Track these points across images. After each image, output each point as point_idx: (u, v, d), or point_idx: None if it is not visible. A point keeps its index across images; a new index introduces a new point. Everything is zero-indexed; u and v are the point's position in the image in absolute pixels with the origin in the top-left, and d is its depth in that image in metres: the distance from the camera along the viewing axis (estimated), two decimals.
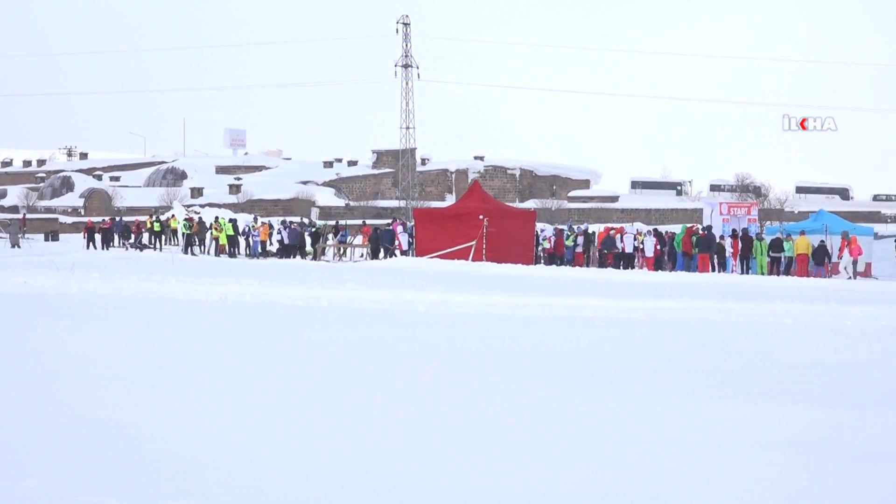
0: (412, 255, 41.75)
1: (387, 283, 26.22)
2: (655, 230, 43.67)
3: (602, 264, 40.18)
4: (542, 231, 46.41)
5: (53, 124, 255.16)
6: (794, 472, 7.74)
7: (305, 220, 57.86)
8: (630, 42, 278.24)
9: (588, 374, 12.00)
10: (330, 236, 50.12)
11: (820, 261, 36.88)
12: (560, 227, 51.44)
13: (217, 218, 55.13)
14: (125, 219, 58.09)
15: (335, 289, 23.81)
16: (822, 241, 37.37)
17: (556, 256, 42.04)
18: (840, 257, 36.98)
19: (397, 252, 43.43)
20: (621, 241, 40.86)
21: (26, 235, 62.65)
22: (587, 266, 40.51)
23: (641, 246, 40.72)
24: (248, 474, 7.27)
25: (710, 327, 17.72)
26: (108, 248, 51.90)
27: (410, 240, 43.73)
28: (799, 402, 10.45)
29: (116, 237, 55.53)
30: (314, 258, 45.60)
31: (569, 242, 42.41)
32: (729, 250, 38.37)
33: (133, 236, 53.65)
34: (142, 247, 52.24)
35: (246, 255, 47.86)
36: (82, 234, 54.00)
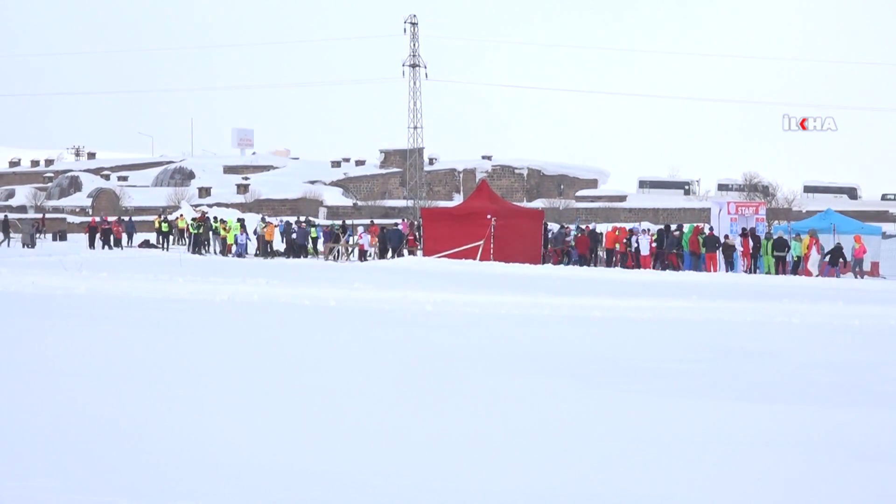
0: (376, 258, 42.30)
1: (395, 283, 26.25)
2: (659, 230, 43.78)
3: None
4: (562, 228, 46.48)
5: (61, 124, 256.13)
6: (802, 472, 7.74)
7: (302, 219, 58.06)
8: (638, 42, 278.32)
9: (596, 374, 12.00)
10: (339, 235, 50.26)
11: (834, 261, 36.88)
12: (568, 225, 51.45)
13: (216, 217, 55.24)
14: (109, 219, 58.52)
15: (343, 288, 23.83)
16: (839, 243, 37.36)
17: (583, 258, 41.84)
18: (808, 256, 37.09)
19: (405, 252, 43.59)
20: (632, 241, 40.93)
21: (44, 235, 63.07)
22: (623, 266, 40.41)
23: (637, 245, 40.76)
24: (257, 474, 7.29)
25: (718, 327, 17.70)
26: (105, 248, 51.92)
27: (375, 241, 44.52)
28: (806, 402, 10.45)
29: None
30: (326, 258, 45.67)
31: None
32: (739, 249, 38.36)
33: (114, 237, 53.59)
34: (119, 245, 52.75)
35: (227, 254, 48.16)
36: (97, 234, 54.10)
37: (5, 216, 61.63)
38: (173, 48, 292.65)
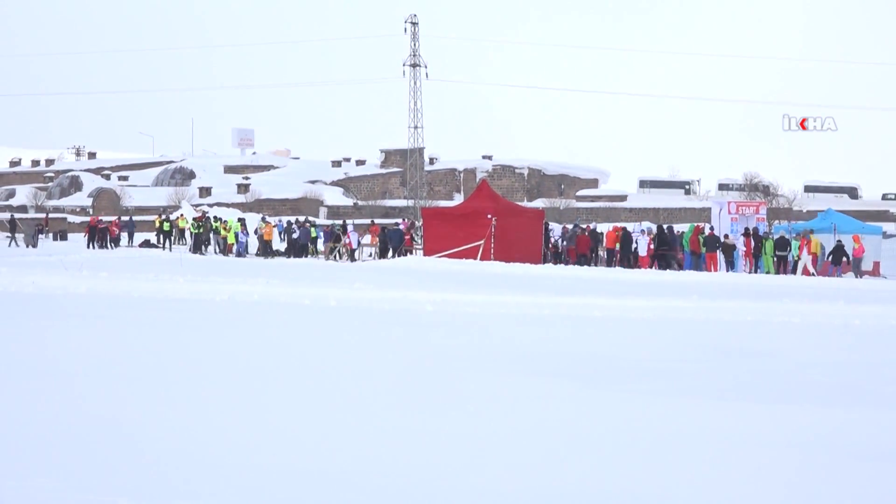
0: (376, 258, 42.44)
1: (395, 283, 26.25)
2: (649, 230, 43.86)
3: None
4: (574, 228, 46.50)
5: (62, 124, 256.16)
6: (801, 472, 7.74)
7: (303, 219, 58.23)
8: (638, 42, 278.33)
9: (596, 374, 12.00)
10: (339, 235, 50.33)
11: (837, 260, 36.92)
12: (568, 225, 51.50)
13: (216, 217, 55.29)
14: (102, 219, 58.84)
15: (343, 288, 23.83)
16: (840, 241, 37.40)
17: (583, 258, 41.78)
18: (800, 255, 37.21)
19: (401, 251, 43.62)
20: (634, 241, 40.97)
21: (47, 235, 63.26)
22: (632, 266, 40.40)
23: (635, 245, 40.79)
24: (257, 474, 7.29)
25: (719, 327, 17.70)
26: (103, 247, 51.96)
27: (360, 239, 44.80)
28: (807, 402, 10.45)
29: (126, 236, 55.98)
30: (326, 258, 45.70)
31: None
32: (742, 249, 38.37)
33: (109, 237, 53.66)
34: (116, 244, 52.99)
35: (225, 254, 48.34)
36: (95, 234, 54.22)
37: (13, 216, 61.79)
38: (173, 48, 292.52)
